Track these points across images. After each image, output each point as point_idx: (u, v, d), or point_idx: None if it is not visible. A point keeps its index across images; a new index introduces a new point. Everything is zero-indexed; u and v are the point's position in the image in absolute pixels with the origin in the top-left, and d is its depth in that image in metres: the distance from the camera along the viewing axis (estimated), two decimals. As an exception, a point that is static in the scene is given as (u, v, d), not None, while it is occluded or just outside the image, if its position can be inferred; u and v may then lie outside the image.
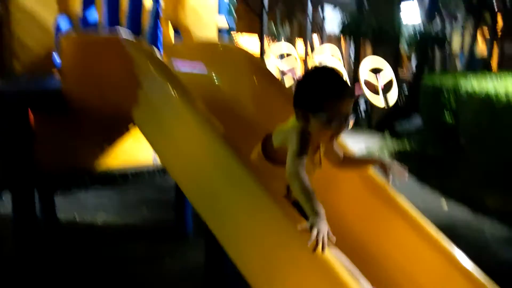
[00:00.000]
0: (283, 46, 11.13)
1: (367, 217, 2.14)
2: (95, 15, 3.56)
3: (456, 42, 14.19)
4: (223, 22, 6.35)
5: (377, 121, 9.41)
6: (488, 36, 12.26)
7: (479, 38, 13.29)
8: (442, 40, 10.66)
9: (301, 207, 1.56)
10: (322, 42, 13.89)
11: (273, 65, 9.68)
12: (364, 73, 8.76)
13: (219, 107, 2.28)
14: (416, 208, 2.04)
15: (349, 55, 13.70)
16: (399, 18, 10.22)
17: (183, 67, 2.81)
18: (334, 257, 1.50)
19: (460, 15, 13.69)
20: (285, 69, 9.67)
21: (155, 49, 2.38)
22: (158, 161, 2.34)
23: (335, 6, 15.07)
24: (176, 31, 4.03)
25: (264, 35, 8.62)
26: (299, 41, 13.91)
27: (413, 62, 13.36)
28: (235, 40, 10.05)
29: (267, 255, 1.68)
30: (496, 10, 11.18)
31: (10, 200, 3.05)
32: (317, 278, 1.51)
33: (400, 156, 6.98)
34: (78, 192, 4.74)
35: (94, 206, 4.42)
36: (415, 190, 5.18)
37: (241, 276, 1.74)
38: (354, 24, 10.15)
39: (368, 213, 2.14)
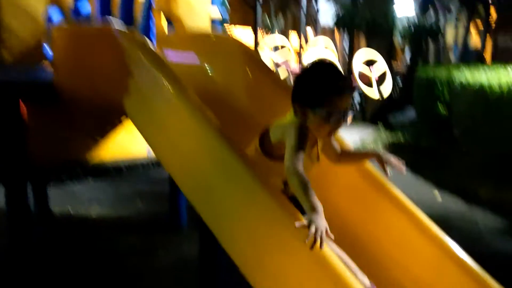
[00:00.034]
0: (276, 38, 11.09)
1: (363, 210, 2.14)
2: (87, 6, 3.53)
3: (450, 34, 14.20)
4: (216, 12, 6.32)
5: (371, 113, 9.43)
6: (481, 28, 12.28)
7: (473, 30, 13.32)
8: (436, 33, 10.67)
9: (298, 202, 1.55)
10: (316, 34, 13.85)
11: (267, 57, 9.65)
12: (358, 65, 8.76)
13: (212, 98, 2.26)
14: (410, 200, 2.04)
15: (343, 48, 13.69)
16: (393, 11, 10.21)
17: (176, 57, 2.79)
18: (330, 251, 1.49)
19: (453, 7, 13.68)
20: (279, 61, 9.64)
21: (147, 40, 2.36)
22: (152, 153, 2.31)
23: (329, -2, 15.02)
24: (169, 22, 4.00)
25: (258, 28, 8.58)
26: (293, 34, 13.88)
27: (407, 55, 13.37)
28: (229, 32, 10.01)
29: (263, 247, 1.68)
30: (490, 2, 11.19)
31: (3, 194, 3.03)
32: (313, 271, 1.51)
33: (394, 148, 7.00)
34: (72, 185, 4.73)
35: (88, 198, 4.41)
36: (409, 181, 5.19)
37: (235, 268, 1.74)
38: (348, 16, 10.13)
39: (365, 206, 2.14)
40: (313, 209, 1.47)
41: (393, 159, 1.86)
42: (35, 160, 3.14)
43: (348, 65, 9.88)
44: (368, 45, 9.86)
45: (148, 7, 3.47)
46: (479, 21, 12.82)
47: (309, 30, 14.18)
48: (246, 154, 1.80)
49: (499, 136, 4.93)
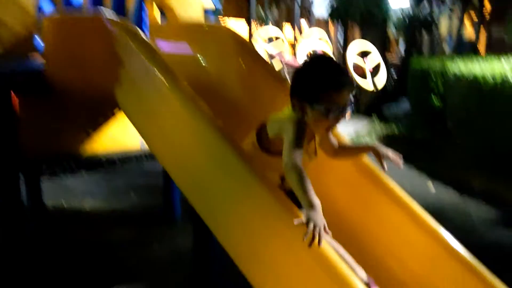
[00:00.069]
0: (270, 30, 11.04)
1: (359, 204, 2.15)
2: (79, -4, 3.48)
3: (444, 26, 14.18)
4: (208, 2, 6.26)
5: (365, 105, 9.42)
6: (475, 20, 12.27)
7: (467, 21, 13.30)
8: (430, 24, 10.65)
9: (295, 196, 1.54)
10: (310, 26, 13.80)
11: (261, 48, 9.60)
12: (352, 57, 8.73)
13: (205, 89, 2.24)
14: (404, 191, 2.04)
15: (338, 39, 13.65)
16: (387, 2, 10.17)
17: (168, 48, 2.76)
18: (328, 245, 1.49)
19: (448, -1, 13.66)
20: (273, 53, 9.60)
21: (139, 29, 2.33)
22: (145, 146, 2.29)
23: (323, -10, 14.95)
24: (162, 12, 3.96)
25: (252, 19, 8.51)
26: (287, 25, 13.82)
27: (401, 46, 13.35)
28: (223, 24, 9.93)
29: (259, 240, 1.67)
30: (484, -7, 11.18)
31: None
32: (310, 265, 1.50)
33: (388, 140, 7.00)
34: (65, 178, 4.70)
35: (81, 191, 4.39)
36: (403, 173, 5.18)
37: (230, 260, 1.73)
38: (342, 8, 10.09)
39: (361, 199, 2.14)
40: (311, 205, 1.46)
41: (390, 153, 1.85)
42: (27, 152, 3.11)
43: (342, 57, 9.85)
44: (362, 37, 9.82)
45: (141, -3, 3.43)
46: (473, 13, 12.80)
47: (303, 21, 14.12)
48: (241, 147, 1.78)
49: (492, 128, 4.94)
